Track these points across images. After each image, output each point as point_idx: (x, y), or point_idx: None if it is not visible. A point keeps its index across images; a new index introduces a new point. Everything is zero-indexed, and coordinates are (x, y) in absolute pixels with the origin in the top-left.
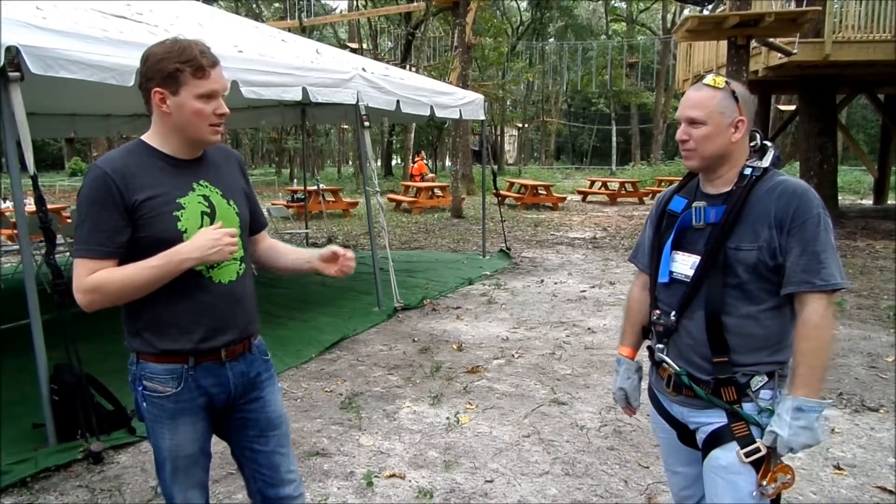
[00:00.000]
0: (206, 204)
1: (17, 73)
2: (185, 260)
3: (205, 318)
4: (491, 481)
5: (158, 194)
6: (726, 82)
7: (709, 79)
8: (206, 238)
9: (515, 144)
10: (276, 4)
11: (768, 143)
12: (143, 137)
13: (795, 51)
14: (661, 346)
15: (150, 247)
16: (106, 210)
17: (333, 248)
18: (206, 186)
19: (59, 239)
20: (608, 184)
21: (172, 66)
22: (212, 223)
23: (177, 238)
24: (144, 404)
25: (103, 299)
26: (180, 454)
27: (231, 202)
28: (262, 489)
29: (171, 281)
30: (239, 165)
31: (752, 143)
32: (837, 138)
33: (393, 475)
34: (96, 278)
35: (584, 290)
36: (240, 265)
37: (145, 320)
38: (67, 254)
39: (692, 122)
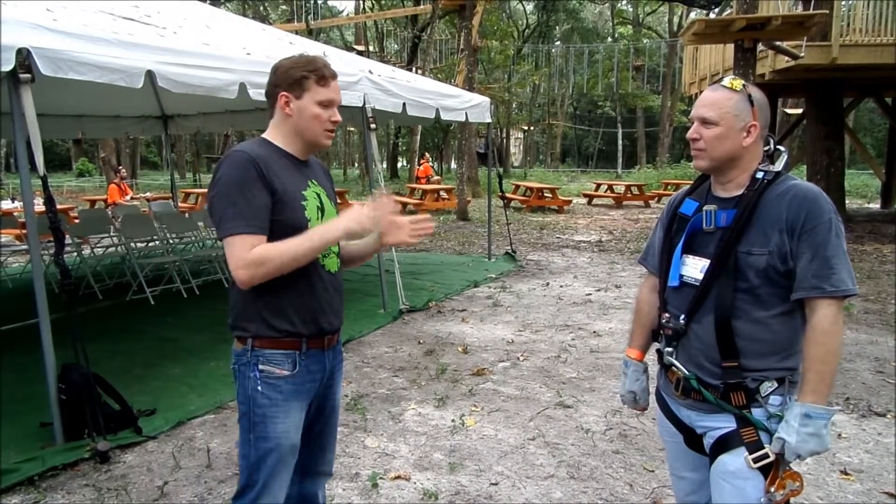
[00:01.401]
0: (319, 201)
1: (27, 75)
2: (331, 230)
3: (318, 302)
4: (496, 484)
5: (287, 185)
6: (744, 85)
7: (727, 80)
8: (346, 214)
9: (521, 147)
10: (283, 7)
11: (781, 148)
12: (265, 136)
13: (802, 54)
14: (670, 349)
15: (280, 231)
16: (256, 188)
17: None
18: (316, 185)
19: (68, 239)
20: (614, 187)
21: (300, 73)
22: (323, 218)
23: (304, 225)
24: (260, 388)
25: (265, 272)
26: (288, 441)
27: (332, 203)
28: (305, 462)
29: None
30: (326, 173)
31: (765, 148)
32: (845, 142)
33: (398, 477)
34: (259, 252)
35: (590, 294)
36: (337, 259)
37: (266, 303)
38: (75, 254)
39: (704, 122)
